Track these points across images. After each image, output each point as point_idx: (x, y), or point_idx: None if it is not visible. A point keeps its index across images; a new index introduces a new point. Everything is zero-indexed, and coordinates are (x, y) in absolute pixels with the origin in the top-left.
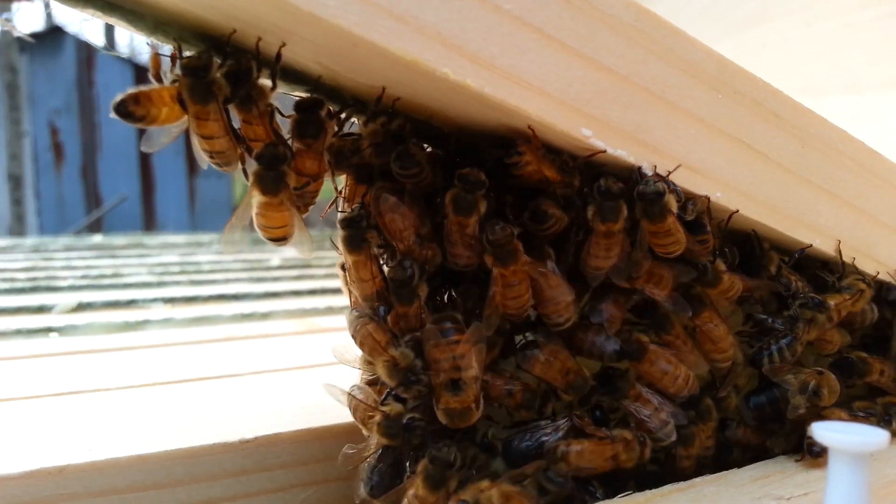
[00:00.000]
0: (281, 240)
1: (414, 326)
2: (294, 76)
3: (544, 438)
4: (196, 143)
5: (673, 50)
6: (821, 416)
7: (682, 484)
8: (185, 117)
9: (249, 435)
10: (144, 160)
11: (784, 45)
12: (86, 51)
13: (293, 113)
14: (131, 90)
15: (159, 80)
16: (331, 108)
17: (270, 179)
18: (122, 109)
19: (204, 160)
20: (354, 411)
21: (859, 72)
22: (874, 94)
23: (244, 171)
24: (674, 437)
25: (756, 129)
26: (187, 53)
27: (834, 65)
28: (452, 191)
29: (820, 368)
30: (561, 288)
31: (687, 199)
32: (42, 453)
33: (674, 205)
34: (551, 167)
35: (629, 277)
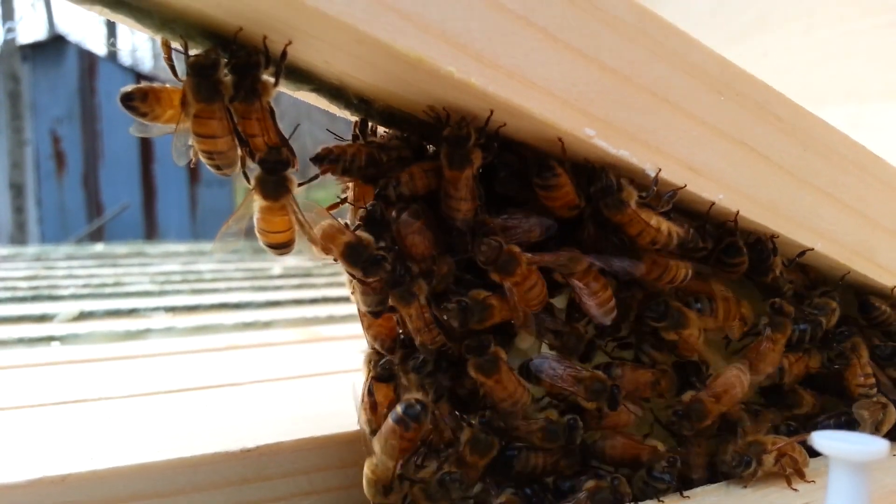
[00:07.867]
0: (281, 246)
1: (419, 327)
2: (299, 75)
3: None
4: (192, 143)
5: (676, 52)
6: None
7: None
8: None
9: (251, 444)
10: (146, 168)
11: (785, 54)
12: (88, 59)
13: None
14: (143, 84)
15: (172, 65)
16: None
17: (272, 184)
18: (128, 102)
19: (182, 157)
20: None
21: (860, 81)
22: (875, 102)
23: (244, 174)
24: None
25: (758, 131)
26: (193, 52)
27: (835, 73)
28: (444, 150)
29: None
30: None
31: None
32: (44, 462)
33: (632, 195)
34: (577, 190)
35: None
